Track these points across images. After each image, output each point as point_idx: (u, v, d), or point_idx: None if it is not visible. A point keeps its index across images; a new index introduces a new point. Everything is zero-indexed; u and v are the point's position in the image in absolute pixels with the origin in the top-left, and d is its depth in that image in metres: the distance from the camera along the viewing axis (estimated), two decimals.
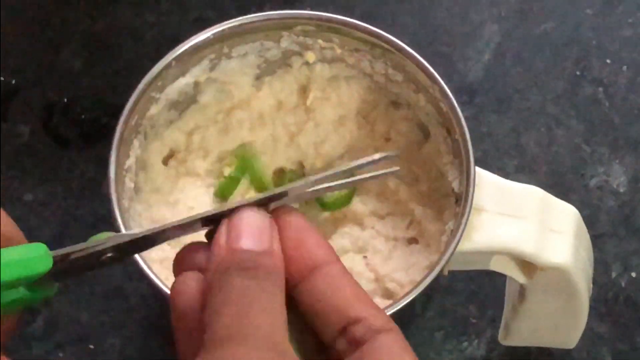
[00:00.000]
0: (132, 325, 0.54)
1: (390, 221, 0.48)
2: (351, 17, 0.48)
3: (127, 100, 0.45)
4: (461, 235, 0.43)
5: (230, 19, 0.47)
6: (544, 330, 0.50)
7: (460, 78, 0.61)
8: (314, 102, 0.50)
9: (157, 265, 0.45)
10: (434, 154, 0.48)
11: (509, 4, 0.64)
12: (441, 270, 0.42)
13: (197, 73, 0.48)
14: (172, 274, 0.44)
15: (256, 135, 0.50)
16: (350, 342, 0.29)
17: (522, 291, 0.47)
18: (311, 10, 0.50)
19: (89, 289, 0.55)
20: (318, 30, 0.48)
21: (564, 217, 0.45)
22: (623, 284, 0.56)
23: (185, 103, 0.49)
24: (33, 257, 0.30)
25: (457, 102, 0.45)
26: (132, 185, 0.46)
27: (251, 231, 0.30)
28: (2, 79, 0.61)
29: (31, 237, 0.56)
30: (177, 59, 0.46)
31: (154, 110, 0.47)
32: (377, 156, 0.34)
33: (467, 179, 0.44)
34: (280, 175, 0.51)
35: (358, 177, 0.34)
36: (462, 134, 0.45)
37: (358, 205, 0.49)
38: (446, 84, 0.46)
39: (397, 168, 0.35)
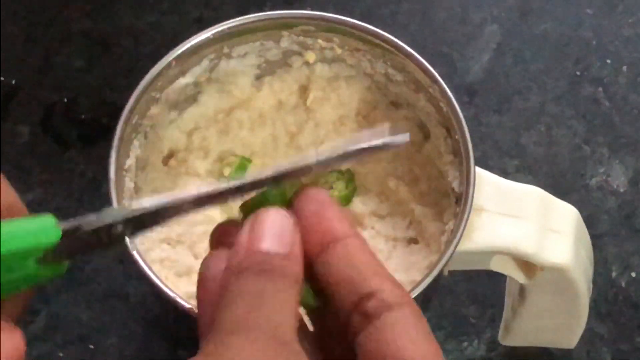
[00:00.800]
0: (132, 325, 0.54)
1: (390, 221, 0.48)
2: (351, 17, 0.48)
3: (127, 100, 0.45)
4: (461, 235, 0.43)
5: (230, 19, 0.47)
6: (544, 330, 0.50)
7: (460, 78, 0.61)
8: (314, 102, 0.50)
9: (157, 265, 0.45)
10: (434, 154, 0.48)
11: (509, 4, 0.64)
12: (441, 270, 0.42)
13: (197, 73, 0.48)
14: (173, 274, 0.45)
15: (256, 135, 0.50)
16: (364, 316, 0.29)
17: (522, 291, 0.47)
18: (311, 10, 0.50)
19: (89, 289, 0.55)
20: (318, 30, 0.48)
21: (564, 217, 0.45)
22: (623, 284, 0.56)
23: (185, 103, 0.49)
24: (41, 228, 0.30)
25: (457, 102, 0.45)
26: (132, 185, 0.46)
27: (273, 233, 0.30)
28: (2, 79, 0.61)
29: None
30: (177, 59, 0.46)
31: (154, 110, 0.47)
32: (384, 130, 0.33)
33: (467, 179, 0.44)
34: None
35: (365, 144, 0.32)
36: (462, 134, 0.45)
37: (358, 205, 0.49)
38: (446, 84, 0.46)
39: (406, 135, 0.33)
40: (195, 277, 0.46)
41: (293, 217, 0.31)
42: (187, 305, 0.41)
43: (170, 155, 0.50)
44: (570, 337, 0.51)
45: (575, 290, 0.46)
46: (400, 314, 0.29)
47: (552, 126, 0.60)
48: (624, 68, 0.62)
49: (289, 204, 0.32)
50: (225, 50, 0.48)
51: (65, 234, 0.30)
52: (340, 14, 0.48)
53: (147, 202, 0.31)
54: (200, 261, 0.47)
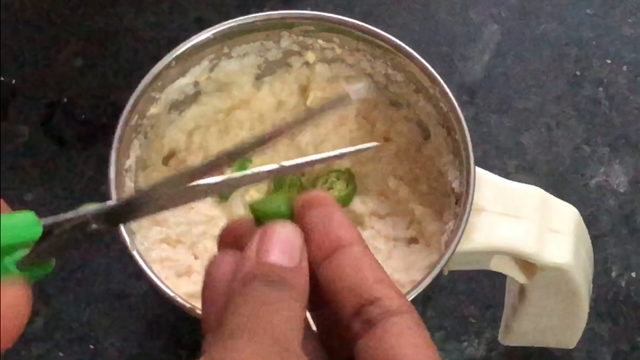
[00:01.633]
0: (132, 325, 0.54)
1: (390, 221, 0.48)
2: (351, 17, 0.48)
3: (127, 100, 0.45)
4: (461, 235, 0.43)
5: (230, 19, 0.47)
6: (544, 330, 0.50)
7: (460, 78, 0.61)
8: (314, 102, 0.50)
9: (157, 265, 0.45)
10: (434, 154, 0.48)
11: (509, 4, 0.64)
12: (441, 270, 0.42)
13: (197, 73, 0.48)
14: (173, 274, 0.45)
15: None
16: (365, 323, 0.29)
17: (522, 291, 0.47)
18: (311, 10, 0.50)
19: (89, 289, 0.55)
20: (318, 30, 0.48)
21: (564, 217, 0.45)
22: (623, 284, 0.56)
23: (185, 103, 0.49)
24: (22, 224, 0.30)
25: (457, 102, 0.45)
26: (132, 185, 0.46)
27: (282, 247, 0.30)
28: (2, 79, 0.61)
29: None
30: (177, 59, 0.46)
31: (154, 110, 0.47)
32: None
33: (467, 179, 0.44)
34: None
35: (337, 151, 0.34)
36: (462, 134, 0.45)
37: (358, 205, 0.49)
38: (446, 84, 0.46)
39: (374, 144, 0.34)
40: (195, 277, 0.46)
41: (300, 230, 0.31)
42: (187, 305, 0.41)
43: (170, 155, 0.50)
44: (570, 337, 0.51)
45: (575, 290, 0.46)
46: (402, 321, 0.29)
47: (552, 126, 0.60)
48: (624, 68, 0.62)
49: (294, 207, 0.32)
50: (225, 50, 0.48)
51: (46, 230, 0.30)
52: (340, 14, 0.48)
53: (122, 197, 0.31)
54: (199, 261, 0.47)
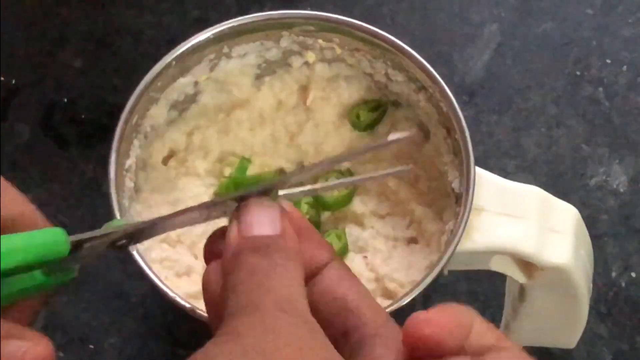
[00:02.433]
0: (132, 325, 0.54)
1: (390, 221, 0.48)
2: (351, 17, 0.48)
3: (127, 100, 0.45)
4: (461, 235, 0.43)
5: (230, 19, 0.47)
6: (544, 330, 0.50)
7: (460, 78, 0.61)
8: (314, 102, 0.50)
9: (157, 265, 0.45)
10: (434, 154, 0.48)
11: (509, 4, 0.64)
12: (441, 270, 0.42)
13: (197, 73, 0.48)
14: (173, 274, 0.45)
15: (256, 135, 0.50)
16: (351, 349, 0.30)
17: (522, 291, 0.47)
18: (311, 10, 0.50)
19: (89, 289, 0.55)
20: (318, 30, 0.48)
21: (564, 217, 0.45)
22: (623, 284, 0.56)
23: (185, 103, 0.49)
24: (51, 242, 0.31)
25: (457, 102, 0.45)
26: (132, 185, 0.46)
27: (261, 219, 0.30)
28: (2, 79, 0.61)
29: None
30: (177, 59, 0.46)
31: (154, 110, 0.47)
32: (393, 137, 0.34)
33: (467, 179, 0.44)
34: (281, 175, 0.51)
35: (359, 177, 0.34)
36: (462, 134, 0.45)
37: (358, 205, 0.49)
38: (446, 84, 0.46)
39: (407, 167, 0.35)
40: (195, 277, 0.46)
41: (277, 204, 0.31)
42: (187, 305, 0.41)
43: (170, 155, 0.50)
44: (570, 337, 0.51)
45: (575, 290, 0.46)
46: (379, 342, 0.29)
47: (552, 126, 0.60)
48: (624, 68, 0.62)
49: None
50: (225, 50, 0.48)
51: (73, 247, 0.31)
52: (340, 14, 0.48)
53: (147, 219, 0.32)
54: (199, 261, 0.47)
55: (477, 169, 0.44)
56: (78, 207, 0.57)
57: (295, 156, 0.51)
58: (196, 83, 0.49)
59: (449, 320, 0.28)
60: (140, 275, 0.42)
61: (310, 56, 0.49)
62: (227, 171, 0.49)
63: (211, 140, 0.50)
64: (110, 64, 0.61)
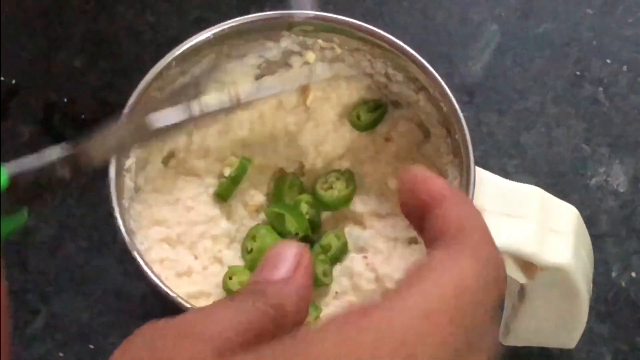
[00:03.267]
0: (132, 325, 0.54)
1: (390, 221, 0.48)
2: (351, 17, 0.48)
3: (127, 100, 0.45)
4: None
5: (230, 19, 0.47)
6: (544, 330, 0.50)
7: (460, 78, 0.61)
8: (314, 102, 0.50)
9: (157, 265, 0.45)
10: (434, 154, 0.48)
11: (509, 4, 0.64)
12: None
13: (197, 73, 0.48)
14: (173, 275, 0.44)
15: (256, 135, 0.50)
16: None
17: (522, 291, 0.47)
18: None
19: (89, 289, 0.55)
20: (318, 30, 0.48)
21: (564, 217, 0.45)
22: (623, 284, 0.56)
23: None
24: None
25: (457, 102, 0.45)
26: (132, 185, 0.46)
27: (270, 263, 0.30)
28: (2, 79, 0.61)
29: (30, 237, 0.56)
30: (177, 59, 0.46)
31: None
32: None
33: (467, 179, 0.44)
34: (281, 175, 0.51)
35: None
36: (462, 134, 0.45)
37: (358, 205, 0.49)
38: (446, 84, 0.46)
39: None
40: (195, 277, 0.46)
41: (296, 244, 0.30)
42: (187, 305, 0.41)
43: (170, 155, 0.50)
44: (570, 337, 0.51)
45: (575, 290, 0.46)
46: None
47: (552, 126, 0.60)
48: (624, 68, 0.62)
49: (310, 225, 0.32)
50: (225, 50, 0.48)
51: (13, 178, 0.30)
52: (340, 14, 0.48)
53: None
54: (200, 261, 0.47)
55: (477, 169, 0.44)
56: (78, 207, 0.57)
57: (295, 156, 0.51)
58: (196, 83, 0.49)
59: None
60: (140, 275, 0.42)
61: (310, 56, 0.49)
62: (227, 171, 0.49)
63: (211, 140, 0.50)
64: (110, 64, 0.61)
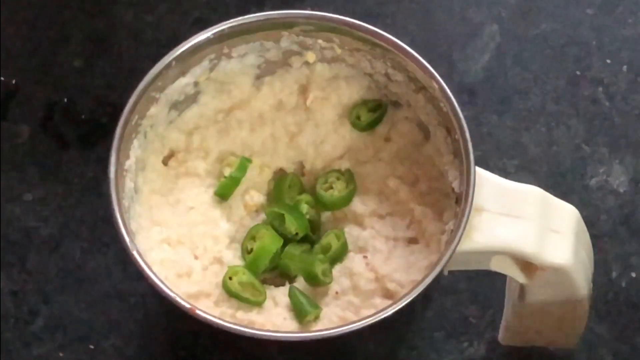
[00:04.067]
0: (132, 325, 0.54)
1: (390, 221, 0.48)
2: (351, 17, 0.48)
3: (127, 100, 0.45)
4: (461, 235, 0.43)
5: (230, 19, 0.47)
6: (544, 331, 0.50)
7: (460, 78, 0.61)
8: (314, 102, 0.50)
9: (157, 265, 0.45)
10: (434, 154, 0.48)
11: (509, 4, 0.64)
12: (441, 270, 0.42)
13: (197, 73, 0.48)
14: (173, 275, 0.44)
15: (256, 135, 0.50)
16: None
17: (522, 291, 0.47)
18: (311, 10, 0.50)
19: (89, 289, 0.55)
20: (318, 30, 0.48)
21: (564, 217, 0.45)
22: (623, 284, 0.56)
23: (185, 103, 0.49)
24: None
25: (457, 102, 0.45)
26: (132, 185, 0.46)
27: None
28: (2, 79, 0.61)
29: (30, 237, 0.56)
30: (177, 59, 0.46)
31: (154, 110, 0.47)
32: None
33: (467, 179, 0.44)
34: (281, 175, 0.51)
35: None
36: (462, 134, 0.45)
37: (358, 205, 0.49)
38: (446, 84, 0.46)
39: None
40: (195, 277, 0.46)
41: None
42: (187, 305, 0.41)
43: (170, 155, 0.50)
44: (570, 337, 0.51)
45: (575, 290, 0.46)
46: None
47: (552, 126, 0.60)
48: (624, 68, 0.62)
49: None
50: (225, 50, 0.48)
51: None
52: (340, 14, 0.48)
53: None
54: (200, 262, 0.47)
55: (477, 169, 0.44)
56: (78, 207, 0.57)
57: (295, 156, 0.51)
58: (196, 83, 0.49)
59: None
60: (140, 275, 0.42)
61: (310, 56, 0.49)
62: (227, 171, 0.49)
63: (211, 140, 0.50)
64: (110, 64, 0.61)
